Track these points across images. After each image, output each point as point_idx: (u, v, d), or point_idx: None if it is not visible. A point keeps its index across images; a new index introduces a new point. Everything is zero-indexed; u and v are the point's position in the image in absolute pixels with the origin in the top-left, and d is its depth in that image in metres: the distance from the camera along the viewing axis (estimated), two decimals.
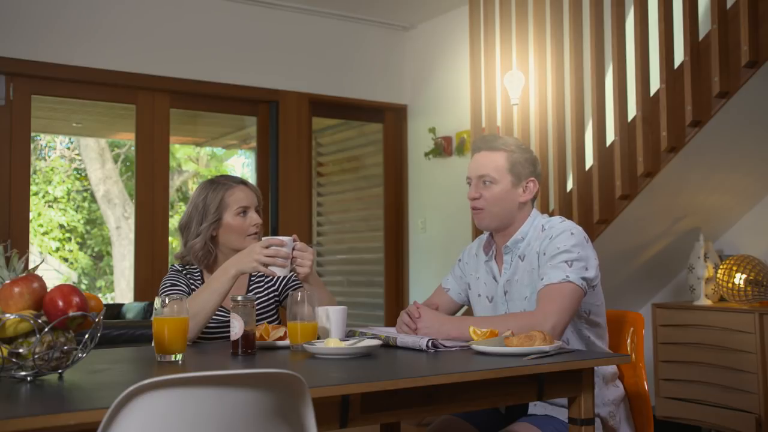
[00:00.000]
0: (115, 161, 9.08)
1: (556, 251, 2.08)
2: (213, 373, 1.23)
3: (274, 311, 2.43)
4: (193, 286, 2.33)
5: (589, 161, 3.58)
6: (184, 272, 2.35)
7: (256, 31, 5.09)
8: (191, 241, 2.34)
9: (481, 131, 3.97)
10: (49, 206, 9.27)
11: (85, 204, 9.47)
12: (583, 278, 2.06)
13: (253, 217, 2.35)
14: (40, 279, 1.54)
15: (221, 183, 2.38)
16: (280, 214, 5.13)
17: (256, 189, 2.42)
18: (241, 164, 9.46)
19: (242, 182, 2.39)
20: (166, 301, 1.81)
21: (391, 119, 5.67)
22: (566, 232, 2.12)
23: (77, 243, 9.46)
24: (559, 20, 3.67)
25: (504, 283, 2.22)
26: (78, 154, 9.14)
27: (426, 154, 5.41)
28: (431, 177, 5.45)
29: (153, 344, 1.83)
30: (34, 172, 8.76)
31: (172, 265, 2.40)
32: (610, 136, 3.48)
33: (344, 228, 5.92)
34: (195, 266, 2.38)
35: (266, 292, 2.42)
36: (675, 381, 3.70)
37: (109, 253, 9.30)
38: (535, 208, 2.26)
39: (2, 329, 1.47)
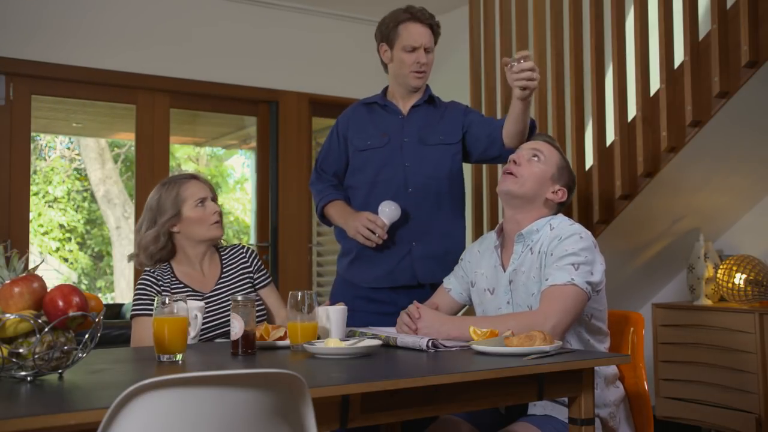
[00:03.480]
0: (115, 161, 9.07)
1: (563, 253, 2.08)
2: (213, 373, 1.23)
3: (250, 289, 2.48)
4: (163, 289, 2.37)
5: (589, 161, 3.58)
6: (155, 273, 2.41)
7: (256, 31, 5.09)
8: (142, 239, 2.42)
9: None
10: (49, 206, 9.27)
11: (85, 204, 9.47)
12: (588, 282, 2.06)
13: (212, 206, 2.45)
14: (40, 279, 1.54)
15: (173, 181, 2.47)
16: (280, 214, 5.13)
17: (207, 181, 2.53)
18: (241, 164, 9.45)
19: (193, 176, 2.49)
20: (166, 301, 1.82)
21: None
22: (575, 235, 2.12)
23: (77, 243, 9.46)
24: (559, 20, 3.66)
25: (510, 272, 2.21)
26: (78, 154, 9.14)
27: None
28: None
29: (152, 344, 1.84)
30: (34, 172, 8.76)
31: (146, 269, 2.44)
32: (610, 136, 3.48)
33: None
34: (165, 263, 2.45)
35: (240, 275, 2.49)
36: (675, 381, 3.70)
37: (109, 253, 9.29)
38: (561, 215, 2.27)
39: (2, 329, 1.47)
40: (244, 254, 2.53)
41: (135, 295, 2.37)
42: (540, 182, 2.22)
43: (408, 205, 2.64)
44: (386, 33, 2.74)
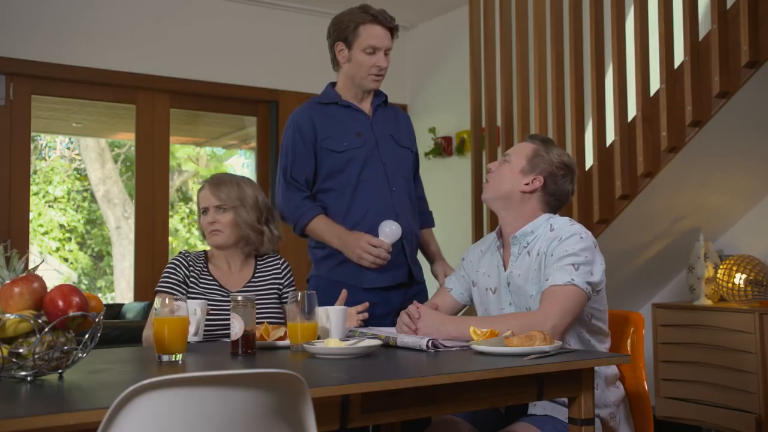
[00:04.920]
0: (115, 161, 9.07)
1: (564, 254, 2.08)
2: (213, 373, 1.23)
3: (277, 305, 2.48)
4: (192, 275, 2.41)
5: (589, 161, 3.58)
6: (188, 258, 2.45)
7: (256, 31, 5.09)
8: None
9: (481, 131, 3.98)
10: (50, 206, 9.26)
11: (85, 204, 9.46)
12: (588, 282, 2.07)
13: (207, 218, 2.47)
14: (40, 279, 1.54)
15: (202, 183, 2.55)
16: None
17: (222, 187, 2.46)
18: (241, 164, 9.45)
19: (207, 182, 2.50)
20: (167, 301, 1.82)
21: None
22: (576, 235, 2.12)
23: (77, 243, 9.45)
24: (559, 20, 3.66)
25: (508, 274, 2.22)
26: (78, 154, 9.13)
27: (426, 154, 5.40)
28: (431, 177, 5.43)
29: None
30: (34, 172, 8.75)
31: (181, 252, 2.49)
32: (610, 136, 3.48)
33: None
34: (202, 252, 2.51)
35: (269, 283, 2.50)
36: (675, 381, 3.70)
37: (109, 253, 9.29)
38: (556, 215, 2.27)
39: (2, 329, 1.47)
40: (279, 265, 2.54)
41: (164, 272, 2.42)
42: (510, 180, 2.25)
43: (394, 203, 2.66)
44: (344, 32, 2.68)
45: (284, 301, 2.50)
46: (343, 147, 2.63)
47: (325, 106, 2.73)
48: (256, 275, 2.50)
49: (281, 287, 2.51)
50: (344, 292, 2.40)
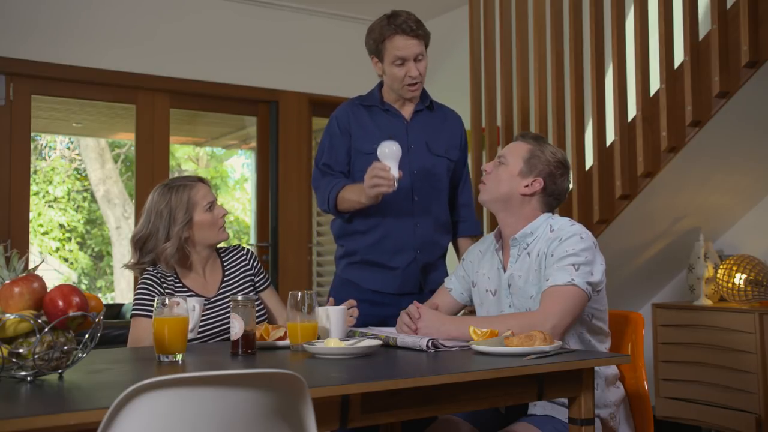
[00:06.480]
0: (115, 161, 9.07)
1: (564, 254, 2.08)
2: (213, 373, 1.23)
3: (255, 297, 2.45)
4: (167, 291, 2.33)
5: (589, 161, 3.58)
6: (158, 275, 2.35)
7: (256, 31, 5.09)
8: (161, 246, 2.34)
9: (481, 131, 3.97)
10: (49, 206, 9.26)
11: (85, 204, 9.46)
12: (588, 282, 2.07)
13: (220, 210, 2.42)
14: (40, 279, 1.54)
15: (181, 185, 2.40)
16: (280, 214, 5.13)
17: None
18: (241, 164, 9.45)
19: (199, 179, 2.45)
20: (166, 301, 1.82)
21: None
22: (576, 235, 2.12)
23: (77, 243, 9.45)
24: (559, 20, 3.66)
25: (508, 276, 2.22)
26: (78, 154, 9.13)
27: None
28: None
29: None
30: (35, 172, 8.75)
31: (146, 269, 2.37)
32: (610, 136, 3.48)
33: None
34: (168, 271, 2.38)
35: (242, 278, 2.47)
36: (675, 381, 3.70)
37: (109, 253, 9.29)
38: (556, 214, 2.27)
39: (2, 329, 1.47)
40: (244, 256, 2.51)
41: (137, 293, 2.31)
42: (508, 183, 2.24)
43: (414, 213, 2.63)
44: (374, 47, 2.67)
45: (259, 290, 2.50)
46: (371, 149, 2.57)
47: (365, 108, 2.73)
48: (226, 273, 2.46)
49: (254, 278, 2.49)
50: (351, 302, 2.35)
